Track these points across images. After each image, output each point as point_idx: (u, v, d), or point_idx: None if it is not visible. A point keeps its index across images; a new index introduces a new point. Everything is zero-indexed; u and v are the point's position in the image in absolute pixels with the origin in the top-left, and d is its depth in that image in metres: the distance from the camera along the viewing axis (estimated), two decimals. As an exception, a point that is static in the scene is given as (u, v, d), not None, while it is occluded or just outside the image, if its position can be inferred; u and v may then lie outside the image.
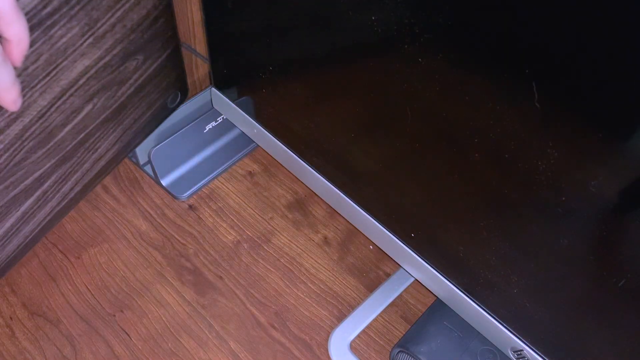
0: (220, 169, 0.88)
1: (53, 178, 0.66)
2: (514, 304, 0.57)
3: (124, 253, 0.79)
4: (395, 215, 0.65)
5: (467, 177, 0.54)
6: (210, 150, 0.89)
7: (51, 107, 0.60)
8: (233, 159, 0.89)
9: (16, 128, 0.57)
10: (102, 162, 0.74)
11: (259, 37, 0.66)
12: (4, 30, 0.37)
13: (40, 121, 0.59)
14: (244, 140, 0.89)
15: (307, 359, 0.71)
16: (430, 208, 0.61)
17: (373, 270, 0.79)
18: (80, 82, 0.62)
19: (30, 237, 0.71)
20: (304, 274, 0.78)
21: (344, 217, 0.73)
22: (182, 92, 0.83)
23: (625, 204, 0.44)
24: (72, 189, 0.71)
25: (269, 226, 0.83)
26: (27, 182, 0.63)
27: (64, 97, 0.61)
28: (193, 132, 0.85)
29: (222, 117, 0.87)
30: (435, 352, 0.64)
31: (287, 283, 0.77)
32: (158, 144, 0.81)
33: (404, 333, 0.70)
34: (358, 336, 0.73)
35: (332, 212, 0.84)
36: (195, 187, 0.86)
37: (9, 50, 0.38)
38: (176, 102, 0.83)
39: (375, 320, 0.74)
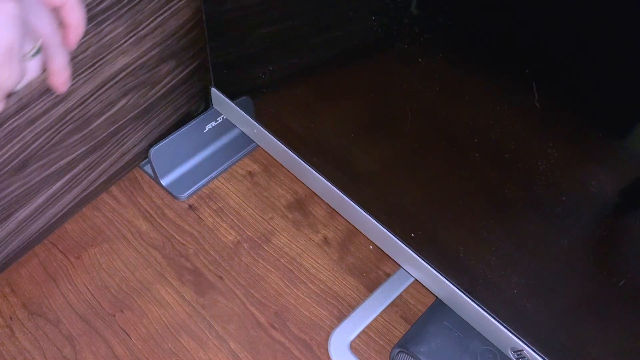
0: (220, 169, 0.88)
1: (83, 164, 0.72)
2: (514, 304, 0.57)
3: (124, 253, 0.78)
4: (395, 215, 0.65)
5: (467, 177, 0.54)
6: (210, 150, 0.89)
7: (91, 95, 0.65)
8: (233, 159, 0.89)
9: (59, 110, 0.63)
10: (127, 157, 0.79)
11: (258, 37, 0.66)
12: (66, 15, 0.41)
13: (80, 107, 0.65)
14: (243, 140, 0.89)
15: (307, 359, 0.71)
16: (430, 208, 0.61)
17: (373, 270, 0.79)
18: (119, 77, 0.68)
19: (52, 221, 0.75)
20: (304, 274, 0.78)
21: (344, 217, 0.73)
22: (206, 102, 0.86)
23: (625, 204, 0.44)
24: (97, 178, 0.76)
25: (269, 226, 0.83)
26: (60, 164, 0.68)
27: (103, 89, 0.66)
28: (193, 131, 0.85)
29: (222, 117, 0.87)
30: (435, 352, 0.64)
31: (287, 283, 0.77)
32: (157, 144, 0.81)
33: (404, 333, 0.70)
34: (358, 336, 0.73)
35: (332, 212, 0.84)
36: (195, 187, 0.86)
37: (66, 34, 0.42)
38: (199, 111, 0.86)
39: (375, 320, 0.74)
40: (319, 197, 0.78)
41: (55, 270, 0.76)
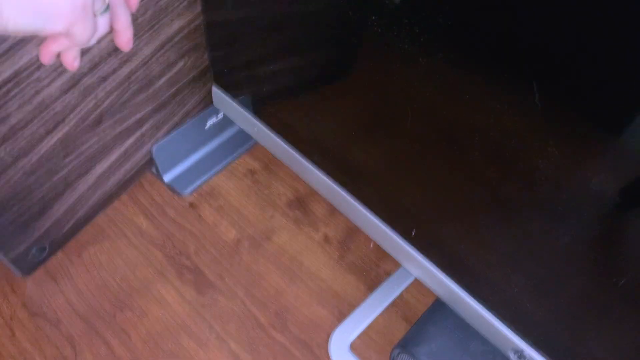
0: (221, 165, 0.88)
1: (150, 123, 0.77)
2: (514, 304, 0.57)
3: (124, 251, 0.78)
4: (396, 213, 0.64)
5: (468, 176, 0.54)
6: (212, 146, 0.89)
7: (152, 57, 0.70)
8: (234, 155, 0.89)
9: (125, 70, 0.68)
10: (188, 118, 0.84)
11: (259, 35, 0.66)
12: None
13: (144, 68, 0.70)
14: (245, 135, 0.88)
15: (307, 359, 0.71)
16: (431, 207, 0.61)
17: (373, 269, 0.79)
18: (176, 39, 0.72)
19: (127, 177, 0.80)
20: (304, 273, 0.78)
21: (344, 215, 0.73)
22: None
23: (625, 203, 0.44)
24: (163, 137, 0.81)
25: (269, 224, 0.82)
26: (130, 121, 0.74)
27: (162, 50, 0.71)
28: (194, 128, 0.85)
29: (223, 113, 0.87)
30: (436, 352, 0.64)
31: (287, 282, 0.77)
32: (159, 140, 0.81)
33: (404, 333, 0.70)
34: (358, 336, 0.73)
35: (333, 210, 0.84)
36: (198, 182, 0.85)
37: None
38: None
39: (375, 320, 0.74)
40: (320, 195, 0.78)
41: (56, 270, 0.76)
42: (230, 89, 0.77)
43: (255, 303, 0.75)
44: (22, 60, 0.56)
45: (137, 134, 0.76)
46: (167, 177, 0.84)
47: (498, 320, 0.59)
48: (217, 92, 0.79)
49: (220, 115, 0.87)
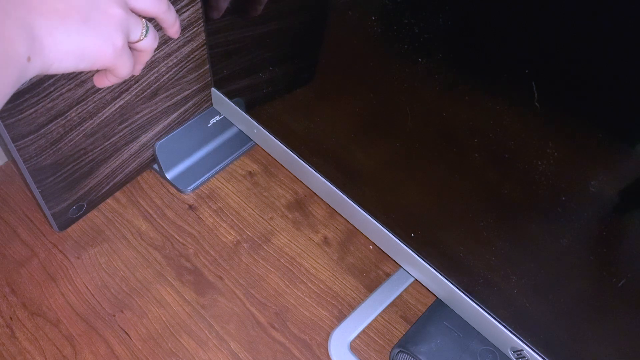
0: (224, 163, 0.88)
1: (194, 101, 0.82)
2: (514, 304, 0.57)
3: (123, 253, 0.78)
4: (395, 215, 0.65)
5: (467, 177, 0.54)
6: (215, 144, 0.89)
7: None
8: (237, 153, 0.89)
9: (187, 49, 0.74)
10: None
11: (258, 37, 0.66)
12: None
13: (201, 49, 0.76)
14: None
15: (307, 359, 0.71)
16: (430, 208, 0.61)
17: (373, 270, 0.79)
18: None
19: None
20: (304, 274, 0.78)
21: (343, 217, 0.73)
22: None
23: (625, 203, 0.44)
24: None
25: (268, 226, 0.83)
26: (178, 97, 0.79)
27: None
28: (197, 126, 0.85)
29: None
30: (435, 352, 0.64)
31: (287, 283, 0.77)
32: (162, 138, 0.81)
33: (404, 333, 0.70)
34: (358, 336, 0.73)
35: (332, 212, 0.84)
36: (200, 180, 0.86)
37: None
38: None
39: (375, 320, 0.74)
40: (319, 197, 0.78)
41: (55, 270, 0.76)
42: (229, 91, 0.77)
43: (255, 303, 0.75)
44: None
45: (181, 109, 0.80)
46: (170, 175, 0.85)
47: (497, 320, 0.59)
48: (216, 94, 0.79)
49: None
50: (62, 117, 0.64)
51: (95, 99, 0.66)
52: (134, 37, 0.46)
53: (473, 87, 0.49)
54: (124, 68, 0.45)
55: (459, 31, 0.47)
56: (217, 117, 0.86)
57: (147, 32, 0.47)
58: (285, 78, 0.68)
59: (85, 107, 0.66)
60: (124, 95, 0.70)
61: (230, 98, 0.78)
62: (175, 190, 0.85)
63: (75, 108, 0.65)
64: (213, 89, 0.79)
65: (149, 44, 0.48)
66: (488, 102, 0.48)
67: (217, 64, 0.76)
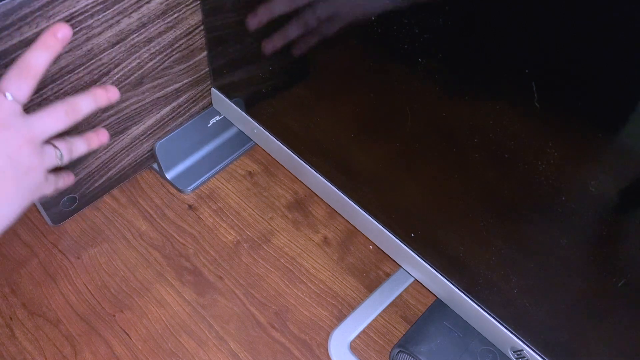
0: (224, 163, 0.88)
1: (187, 95, 0.80)
2: (514, 304, 0.57)
3: (123, 253, 0.78)
4: (395, 215, 0.65)
5: (467, 177, 0.54)
6: (215, 144, 0.89)
7: (196, 28, 0.73)
8: (237, 153, 0.89)
9: (171, 35, 0.71)
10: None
11: (258, 37, 0.66)
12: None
13: (187, 37, 0.74)
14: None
15: (307, 359, 0.71)
16: (430, 208, 0.61)
17: (373, 270, 0.79)
18: None
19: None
20: (304, 274, 0.78)
21: (343, 217, 0.73)
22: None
23: (625, 204, 0.44)
24: (197, 113, 0.84)
25: (268, 226, 0.83)
26: (168, 89, 0.77)
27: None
28: (197, 125, 0.85)
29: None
30: (435, 352, 0.64)
31: (287, 283, 0.77)
32: (162, 138, 0.81)
33: (404, 333, 0.70)
34: (358, 336, 0.73)
35: (332, 212, 0.84)
36: (200, 180, 0.86)
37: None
38: None
39: (375, 320, 0.74)
40: (319, 197, 0.78)
41: (55, 270, 0.76)
42: (229, 91, 0.77)
43: (255, 303, 0.75)
44: (80, 4, 0.58)
45: (174, 103, 0.78)
46: (170, 175, 0.85)
47: (497, 320, 0.59)
48: (216, 94, 0.79)
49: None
50: (37, 95, 0.62)
51: (71, 79, 0.64)
52: (53, 164, 0.50)
53: (473, 87, 0.49)
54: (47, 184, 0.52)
55: (459, 31, 0.47)
56: (217, 117, 0.86)
57: (61, 154, 0.51)
58: (285, 78, 0.68)
59: (61, 86, 0.63)
60: (104, 79, 0.68)
61: (230, 98, 0.78)
62: (175, 190, 0.85)
63: (50, 86, 0.62)
64: (213, 89, 0.79)
65: (69, 159, 0.52)
66: (488, 102, 0.48)
67: (217, 63, 0.76)
